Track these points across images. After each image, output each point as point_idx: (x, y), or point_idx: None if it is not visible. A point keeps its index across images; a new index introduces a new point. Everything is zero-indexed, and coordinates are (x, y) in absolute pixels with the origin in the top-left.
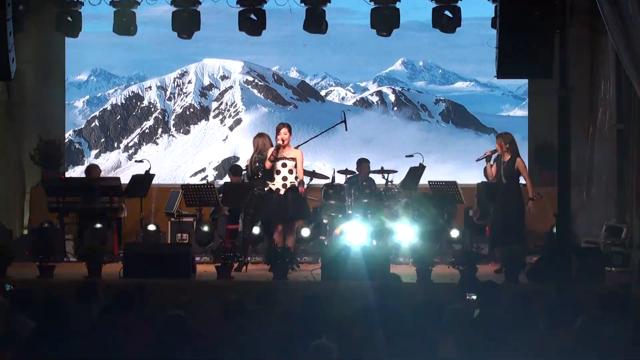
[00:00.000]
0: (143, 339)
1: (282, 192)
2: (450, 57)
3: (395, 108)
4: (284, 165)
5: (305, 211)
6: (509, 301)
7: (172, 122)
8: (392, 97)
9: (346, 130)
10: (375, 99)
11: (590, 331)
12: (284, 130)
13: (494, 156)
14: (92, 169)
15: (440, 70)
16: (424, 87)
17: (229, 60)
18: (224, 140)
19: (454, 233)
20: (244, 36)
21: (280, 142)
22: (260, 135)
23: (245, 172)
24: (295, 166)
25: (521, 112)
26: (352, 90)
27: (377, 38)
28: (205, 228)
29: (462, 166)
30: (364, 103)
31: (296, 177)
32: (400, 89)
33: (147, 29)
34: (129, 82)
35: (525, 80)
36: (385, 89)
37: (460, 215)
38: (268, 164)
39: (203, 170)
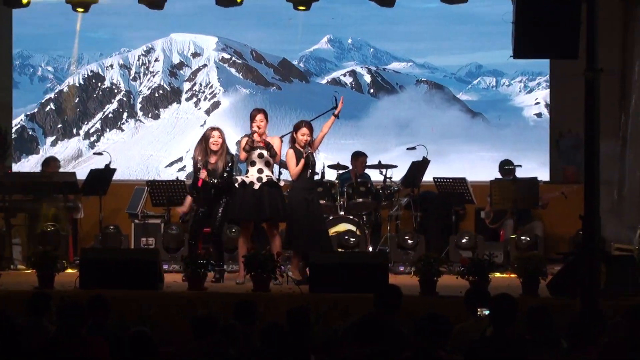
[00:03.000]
0: (103, 359)
1: (256, 186)
2: (382, 34)
3: (372, 90)
4: (260, 155)
5: (283, 211)
6: (526, 317)
7: (138, 106)
8: (367, 78)
9: (337, 117)
10: (348, 79)
11: (619, 351)
12: (259, 117)
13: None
14: (51, 162)
15: (371, 49)
16: (354, 66)
17: (200, 35)
18: (202, 125)
19: (463, 238)
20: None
21: (255, 129)
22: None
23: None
24: (273, 159)
25: (466, 96)
26: None
27: (297, 12)
28: (174, 231)
29: (464, 159)
30: (337, 84)
31: (272, 170)
32: (375, 69)
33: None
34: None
35: (469, 61)
36: (359, 69)
37: (471, 218)
38: (243, 155)
39: (180, 160)
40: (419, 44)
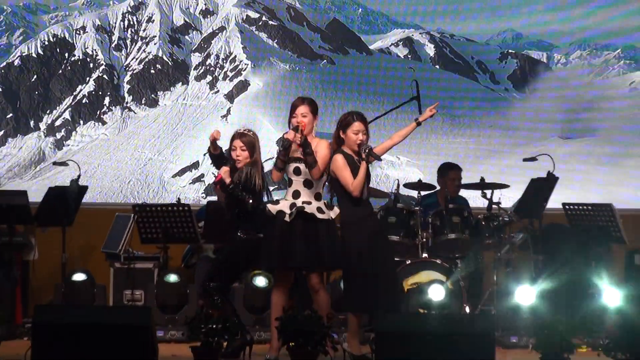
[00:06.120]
0: None
1: (287, 217)
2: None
3: (438, 66)
4: (297, 171)
5: (331, 255)
6: None
7: (126, 87)
8: (430, 49)
9: (420, 112)
10: (402, 51)
11: None
12: (302, 110)
13: None
14: None
15: (359, 10)
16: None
17: None
18: (224, 117)
19: (610, 293)
20: None
21: (290, 135)
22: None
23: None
24: (311, 168)
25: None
26: None
27: None
28: (174, 280)
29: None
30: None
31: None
32: (439, 35)
33: None
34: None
35: (502, 28)
36: (417, 36)
37: (619, 263)
38: (276, 175)
39: (195, 165)
40: (427, 4)
